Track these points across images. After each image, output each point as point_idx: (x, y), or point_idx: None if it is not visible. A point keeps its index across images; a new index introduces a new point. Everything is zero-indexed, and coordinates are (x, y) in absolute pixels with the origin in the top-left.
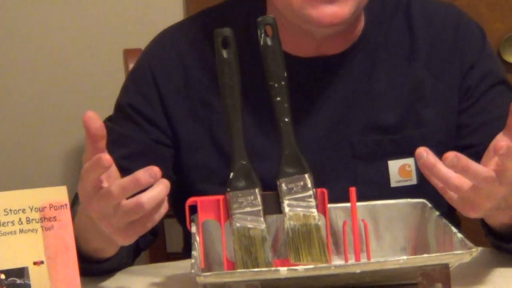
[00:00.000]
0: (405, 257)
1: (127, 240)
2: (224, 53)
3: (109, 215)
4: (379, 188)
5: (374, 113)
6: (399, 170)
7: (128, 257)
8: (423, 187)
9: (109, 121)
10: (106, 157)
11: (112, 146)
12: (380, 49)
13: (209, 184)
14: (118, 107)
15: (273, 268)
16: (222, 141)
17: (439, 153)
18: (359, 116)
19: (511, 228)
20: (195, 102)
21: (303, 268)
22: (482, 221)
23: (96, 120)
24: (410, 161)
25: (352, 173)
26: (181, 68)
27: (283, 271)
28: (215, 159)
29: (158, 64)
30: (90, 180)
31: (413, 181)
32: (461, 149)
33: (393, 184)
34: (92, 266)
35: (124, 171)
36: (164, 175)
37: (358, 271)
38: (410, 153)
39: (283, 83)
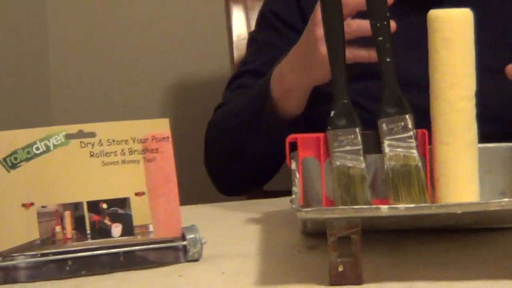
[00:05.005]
0: (507, 199)
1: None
2: None
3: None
4: (503, 99)
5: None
6: None
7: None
8: None
9: (251, 33)
10: None
11: (254, 54)
12: None
13: None
14: (260, 16)
15: (374, 206)
16: None
17: None
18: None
19: None
20: None
21: (404, 207)
22: None
23: None
24: None
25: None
26: None
27: (384, 209)
28: None
29: None
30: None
31: None
32: None
33: None
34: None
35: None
36: None
37: (459, 211)
38: None
39: (385, 22)
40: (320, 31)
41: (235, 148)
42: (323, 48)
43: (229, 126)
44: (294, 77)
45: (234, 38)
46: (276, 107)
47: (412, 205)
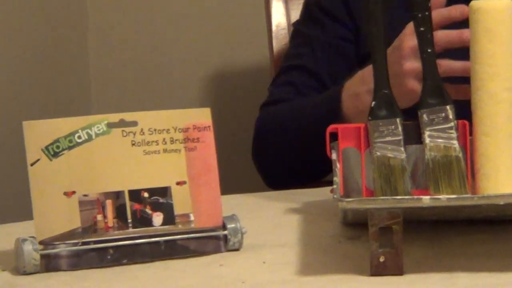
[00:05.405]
0: None
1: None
2: None
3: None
4: None
5: None
6: None
7: None
8: None
9: (295, 24)
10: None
11: (300, 49)
12: None
13: None
14: (305, 8)
15: (415, 197)
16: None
17: None
18: None
19: None
20: None
21: (446, 198)
22: None
23: None
24: None
25: None
26: None
27: (426, 200)
28: None
29: None
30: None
31: None
32: None
33: None
34: None
35: (310, 72)
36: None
37: (501, 202)
38: None
39: (427, 13)
40: (408, 64)
41: (297, 150)
42: (411, 83)
43: (292, 129)
44: (371, 100)
45: (273, 28)
46: (345, 121)
47: (454, 196)
